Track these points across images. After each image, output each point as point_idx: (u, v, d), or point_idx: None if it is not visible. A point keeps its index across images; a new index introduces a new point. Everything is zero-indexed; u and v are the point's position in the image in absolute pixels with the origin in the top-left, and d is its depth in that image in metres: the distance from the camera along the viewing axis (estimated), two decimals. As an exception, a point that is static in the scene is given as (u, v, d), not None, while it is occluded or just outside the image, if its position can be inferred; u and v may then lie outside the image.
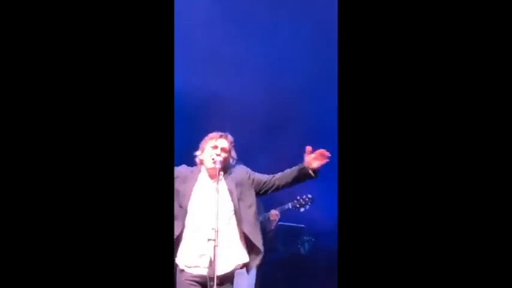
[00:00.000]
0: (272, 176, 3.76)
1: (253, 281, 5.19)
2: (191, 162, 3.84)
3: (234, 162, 3.79)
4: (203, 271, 3.52)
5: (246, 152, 4.50)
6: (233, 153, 3.76)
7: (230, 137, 3.77)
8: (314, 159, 3.59)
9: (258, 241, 3.65)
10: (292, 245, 6.06)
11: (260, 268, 4.05)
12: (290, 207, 5.15)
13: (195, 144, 3.86)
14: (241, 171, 3.78)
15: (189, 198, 3.62)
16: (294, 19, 6.17)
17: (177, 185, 3.63)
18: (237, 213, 3.62)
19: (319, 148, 3.63)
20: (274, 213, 5.27)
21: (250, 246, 3.65)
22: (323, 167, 3.64)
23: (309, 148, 3.63)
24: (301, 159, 3.66)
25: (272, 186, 3.74)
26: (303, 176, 3.66)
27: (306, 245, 6.06)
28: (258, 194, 3.76)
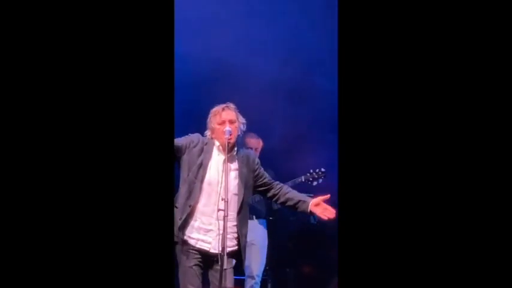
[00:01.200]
0: (274, 182, 3.81)
1: (265, 251, 5.26)
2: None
3: (245, 126, 3.79)
4: (206, 246, 3.57)
5: (259, 122, 4.50)
6: (241, 119, 3.76)
7: (232, 105, 3.75)
8: (321, 208, 3.64)
9: (242, 233, 3.69)
10: (303, 214, 6.08)
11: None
12: (303, 180, 5.15)
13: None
14: (253, 158, 3.81)
15: (206, 171, 3.63)
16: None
17: (193, 155, 3.65)
18: (240, 196, 3.66)
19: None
20: None
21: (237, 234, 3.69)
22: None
23: (327, 197, 3.68)
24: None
25: (268, 190, 3.78)
26: (300, 209, 3.73)
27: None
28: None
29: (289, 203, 3.75)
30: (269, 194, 3.80)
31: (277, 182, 3.82)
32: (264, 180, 3.78)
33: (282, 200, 3.77)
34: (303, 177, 5.16)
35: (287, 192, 3.77)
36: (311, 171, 5.13)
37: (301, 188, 5.38)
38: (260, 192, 3.84)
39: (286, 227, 5.96)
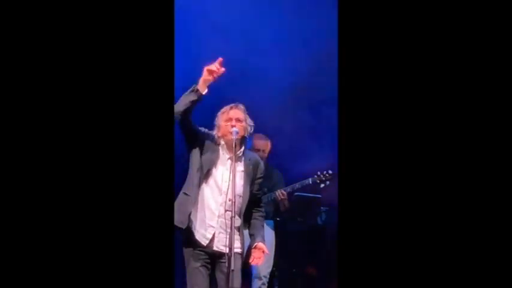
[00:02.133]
0: (261, 202, 3.87)
1: (272, 251, 5.28)
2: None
3: (252, 129, 3.81)
4: (203, 241, 3.59)
5: (267, 123, 4.49)
6: (249, 121, 3.77)
7: (241, 106, 3.77)
8: (256, 254, 3.68)
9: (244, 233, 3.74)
10: (310, 215, 6.10)
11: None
12: (310, 182, 5.18)
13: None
14: (262, 167, 3.83)
15: (213, 167, 3.66)
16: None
17: (207, 147, 3.68)
18: (244, 198, 3.69)
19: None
20: (280, 193, 5.24)
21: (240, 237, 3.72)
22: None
23: (267, 252, 3.78)
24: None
25: (248, 205, 3.79)
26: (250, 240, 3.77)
27: (323, 215, 6.09)
28: None
29: (249, 229, 3.80)
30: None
31: (260, 204, 3.87)
32: (255, 193, 3.79)
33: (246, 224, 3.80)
34: (310, 179, 5.18)
35: (255, 218, 3.79)
36: (318, 173, 5.14)
37: (309, 189, 5.42)
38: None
39: (294, 228, 5.97)
